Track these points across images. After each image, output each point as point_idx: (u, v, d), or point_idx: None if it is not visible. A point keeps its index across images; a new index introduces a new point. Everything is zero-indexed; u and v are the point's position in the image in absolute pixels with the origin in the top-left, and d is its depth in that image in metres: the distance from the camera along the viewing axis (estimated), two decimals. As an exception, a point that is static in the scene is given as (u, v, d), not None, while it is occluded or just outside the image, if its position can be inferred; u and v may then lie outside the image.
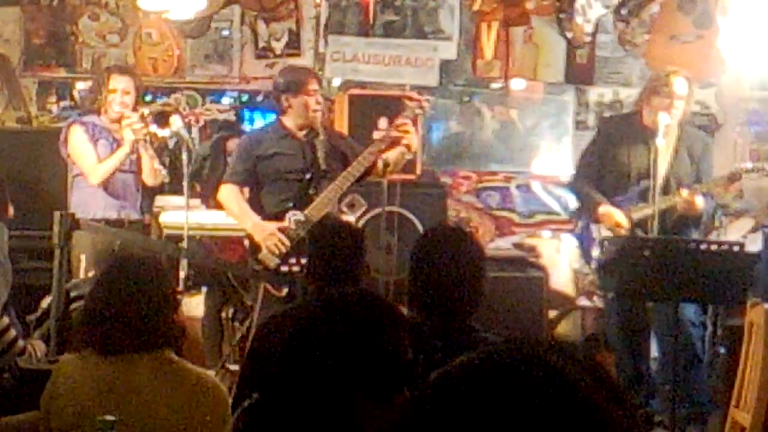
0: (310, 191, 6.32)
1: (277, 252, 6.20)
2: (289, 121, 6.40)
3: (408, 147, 6.37)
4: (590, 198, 6.59)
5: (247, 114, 9.16)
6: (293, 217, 6.26)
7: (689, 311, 6.34)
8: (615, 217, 6.37)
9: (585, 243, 6.63)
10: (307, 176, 6.31)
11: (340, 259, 4.27)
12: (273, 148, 6.38)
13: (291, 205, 6.28)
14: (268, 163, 6.37)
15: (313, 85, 6.38)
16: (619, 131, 6.63)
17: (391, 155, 6.38)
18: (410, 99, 6.54)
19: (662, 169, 6.32)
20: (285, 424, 2.51)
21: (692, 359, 6.32)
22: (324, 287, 4.28)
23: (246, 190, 6.55)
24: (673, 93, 6.38)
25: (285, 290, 6.19)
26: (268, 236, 6.23)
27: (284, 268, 6.21)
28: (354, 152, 6.43)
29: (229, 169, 6.60)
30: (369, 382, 2.46)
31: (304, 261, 6.13)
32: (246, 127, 8.76)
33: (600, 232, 6.43)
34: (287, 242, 6.19)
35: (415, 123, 6.43)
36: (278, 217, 6.29)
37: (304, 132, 6.38)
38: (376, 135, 6.80)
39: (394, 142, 6.34)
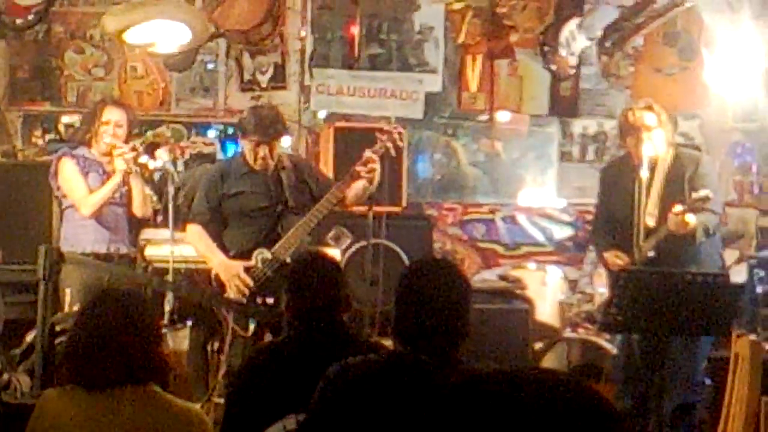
0: (278, 229, 6.31)
1: (240, 294, 6.19)
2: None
3: (370, 181, 6.31)
4: (598, 249, 6.69)
5: (231, 147, 9.15)
6: (260, 255, 6.25)
7: (705, 347, 6.32)
8: (612, 258, 6.39)
9: None
10: (269, 222, 6.29)
11: (318, 292, 4.27)
12: (237, 186, 6.36)
13: (256, 243, 6.27)
14: (233, 202, 6.36)
15: (255, 137, 6.26)
16: (615, 176, 6.62)
17: (351, 192, 6.36)
18: (381, 131, 6.49)
19: (654, 205, 6.27)
20: None
21: (682, 402, 6.27)
22: (304, 322, 4.28)
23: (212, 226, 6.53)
24: (641, 127, 6.33)
25: (252, 328, 6.17)
26: (233, 277, 6.21)
27: None
28: (319, 185, 6.42)
29: (194, 208, 6.55)
30: None
31: (270, 300, 6.15)
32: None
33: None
34: (251, 283, 6.18)
35: (382, 157, 6.40)
36: (244, 255, 6.28)
37: (269, 167, 6.36)
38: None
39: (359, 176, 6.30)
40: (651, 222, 6.23)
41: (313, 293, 4.27)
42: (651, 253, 6.17)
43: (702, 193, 6.02)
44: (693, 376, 6.30)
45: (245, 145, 6.35)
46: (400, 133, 6.50)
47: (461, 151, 8.98)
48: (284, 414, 3.20)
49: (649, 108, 6.39)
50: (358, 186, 6.33)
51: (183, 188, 7.82)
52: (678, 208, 6.02)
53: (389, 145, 6.37)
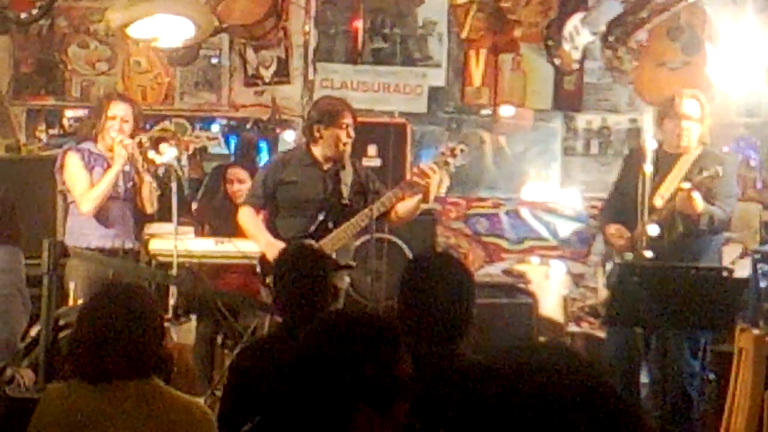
0: (328, 225, 6.31)
1: None
2: (318, 151, 6.38)
3: (425, 195, 6.31)
4: (601, 222, 6.72)
5: (234, 141, 9.16)
6: None
7: (688, 343, 6.31)
8: (612, 229, 6.40)
9: None
10: (321, 216, 6.30)
11: (301, 284, 4.27)
12: (294, 175, 6.38)
13: (306, 234, 6.28)
14: (288, 189, 6.38)
15: (347, 119, 6.33)
16: (639, 159, 6.62)
17: (403, 206, 6.36)
18: (445, 147, 6.55)
19: (667, 190, 6.29)
20: None
21: (681, 394, 6.27)
22: (289, 315, 4.29)
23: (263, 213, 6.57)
24: (681, 114, 6.38)
25: None
26: None
27: None
28: (373, 191, 6.41)
29: (250, 191, 6.68)
30: (369, 394, 2.48)
31: None
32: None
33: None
34: None
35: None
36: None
37: (330, 163, 6.38)
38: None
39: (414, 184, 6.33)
40: (659, 202, 6.25)
41: (295, 286, 4.28)
42: (651, 231, 6.17)
43: (712, 170, 6.04)
44: (686, 367, 6.29)
45: (331, 133, 6.30)
46: (462, 150, 6.53)
47: (489, 144, 8.95)
48: (272, 408, 3.20)
49: (696, 98, 6.45)
50: (412, 201, 6.34)
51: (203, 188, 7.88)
52: (686, 184, 6.05)
53: (450, 160, 6.40)
